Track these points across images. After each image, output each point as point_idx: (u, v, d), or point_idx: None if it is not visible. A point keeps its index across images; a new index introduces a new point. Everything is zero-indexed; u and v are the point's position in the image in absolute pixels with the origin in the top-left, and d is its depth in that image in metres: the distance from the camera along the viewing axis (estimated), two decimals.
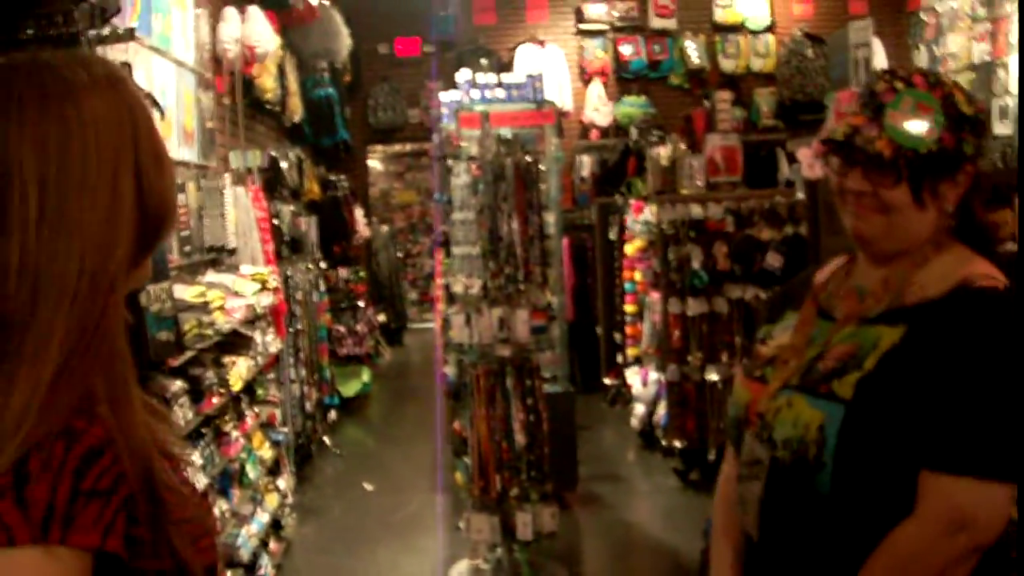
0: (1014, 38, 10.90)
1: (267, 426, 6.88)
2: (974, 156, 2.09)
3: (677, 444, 8.24)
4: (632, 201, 9.80)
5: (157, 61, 6.34)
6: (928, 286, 2.06)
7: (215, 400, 5.35)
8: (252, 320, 6.57)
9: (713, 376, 7.97)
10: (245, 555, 5.71)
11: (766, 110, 14.18)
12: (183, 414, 4.73)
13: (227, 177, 7.61)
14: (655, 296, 8.66)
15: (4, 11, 3.35)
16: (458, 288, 6.44)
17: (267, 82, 9.20)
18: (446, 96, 7.88)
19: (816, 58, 13.65)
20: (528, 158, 6.35)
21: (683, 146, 8.72)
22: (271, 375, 7.31)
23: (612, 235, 10.61)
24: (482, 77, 7.51)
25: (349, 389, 11.45)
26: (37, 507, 1.19)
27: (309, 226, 10.29)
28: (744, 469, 2.19)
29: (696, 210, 7.96)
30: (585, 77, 14.44)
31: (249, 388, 6.46)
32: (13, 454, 1.21)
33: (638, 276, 9.50)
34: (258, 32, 8.59)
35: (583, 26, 14.47)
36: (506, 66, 13.50)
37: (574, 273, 11.64)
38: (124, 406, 1.34)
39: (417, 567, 6.75)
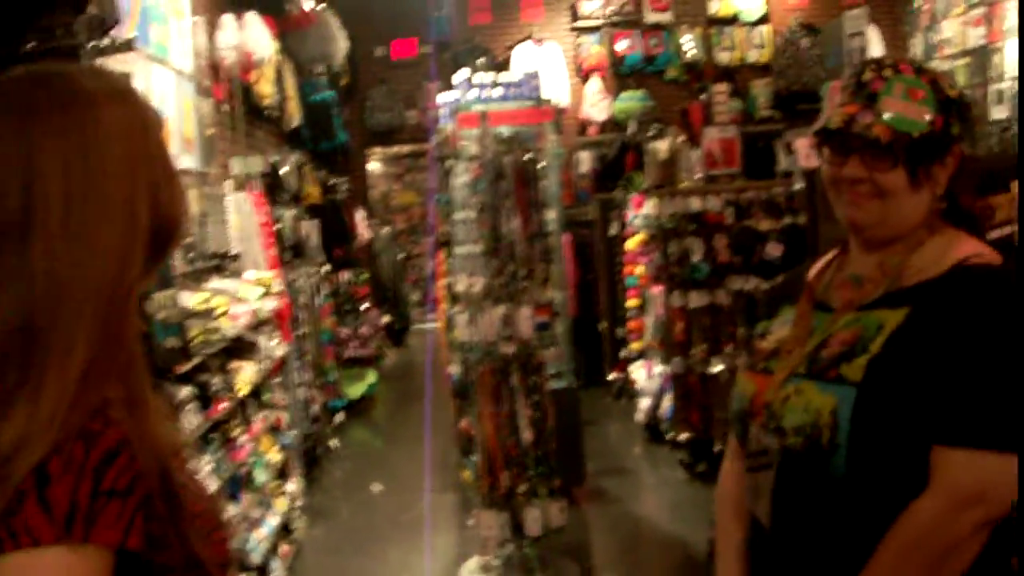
0: (1011, 23, 10.91)
1: (274, 430, 6.91)
2: (959, 138, 2.14)
3: (683, 436, 8.26)
4: (632, 196, 9.82)
5: (156, 70, 6.37)
6: (925, 268, 2.10)
7: (222, 405, 5.38)
8: (257, 325, 6.60)
9: (717, 368, 7.98)
10: (256, 559, 5.74)
11: (763, 101, 14.20)
12: (191, 420, 4.77)
13: (228, 183, 7.65)
14: (657, 290, 8.68)
15: (5, 24, 3.37)
16: (461, 287, 6.46)
17: (265, 88, 9.23)
18: (444, 96, 7.89)
19: (811, 48, 13.67)
20: (527, 156, 6.37)
21: (681, 139, 8.74)
22: (277, 379, 7.33)
23: (613, 230, 10.63)
24: (479, 76, 7.52)
25: (355, 391, 11.47)
26: (59, 507, 1.22)
27: (311, 230, 10.32)
28: (751, 460, 2.21)
29: (695, 203, 7.98)
30: (582, 73, 14.47)
31: (255, 393, 6.49)
32: (37, 457, 1.24)
33: (640, 270, 9.52)
34: (255, 38, 8.63)
35: (578, 22, 14.50)
36: (503, 65, 13.52)
37: (576, 269, 11.66)
38: (141, 409, 1.37)
39: (427, 565, 6.77)
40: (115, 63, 4.50)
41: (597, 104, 14.27)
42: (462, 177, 6.75)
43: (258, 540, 5.87)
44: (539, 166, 6.54)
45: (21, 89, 1.40)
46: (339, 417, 10.39)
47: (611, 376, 10.93)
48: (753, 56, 14.48)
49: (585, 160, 13.96)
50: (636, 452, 9.20)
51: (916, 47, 13.70)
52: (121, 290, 1.38)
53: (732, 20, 14.52)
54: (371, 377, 12.11)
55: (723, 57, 14.46)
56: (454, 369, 7.22)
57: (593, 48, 14.44)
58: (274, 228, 8.54)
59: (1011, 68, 10.84)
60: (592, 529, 7.18)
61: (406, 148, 17.77)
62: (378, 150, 16.11)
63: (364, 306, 12.57)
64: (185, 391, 4.77)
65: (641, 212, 9.22)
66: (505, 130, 6.79)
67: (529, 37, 14.20)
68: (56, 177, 1.34)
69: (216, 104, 7.98)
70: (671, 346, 8.29)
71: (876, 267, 2.16)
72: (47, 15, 3.47)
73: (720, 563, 2.38)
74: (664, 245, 8.21)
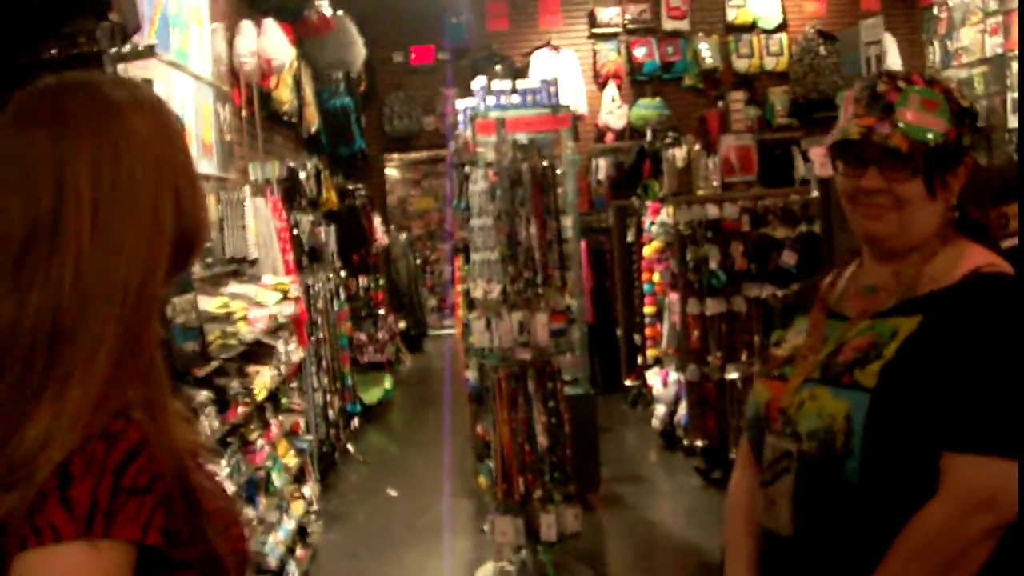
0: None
1: (291, 434, 6.94)
2: (970, 148, 2.16)
3: (698, 443, 8.27)
4: (649, 203, 9.84)
5: (176, 76, 6.41)
6: (939, 277, 2.12)
7: (240, 409, 5.40)
8: (275, 330, 6.63)
9: (733, 375, 7.99)
10: (272, 562, 5.77)
11: (780, 109, 14.19)
12: (209, 424, 4.79)
13: (246, 189, 7.68)
14: (674, 297, 8.69)
15: (27, 31, 3.41)
16: (478, 293, 6.48)
17: (284, 94, 9.26)
18: (461, 103, 7.92)
19: (829, 56, 13.65)
20: (544, 163, 6.40)
21: (698, 147, 8.75)
22: (294, 384, 7.36)
23: (630, 237, 10.64)
24: (497, 83, 7.54)
25: (371, 396, 11.50)
26: (81, 505, 1.25)
27: (328, 235, 10.35)
28: (768, 470, 2.21)
29: (712, 210, 7.99)
30: (599, 80, 14.48)
31: (273, 397, 6.52)
32: (61, 456, 1.27)
33: (656, 277, 9.54)
34: (274, 45, 8.66)
35: (596, 30, 14.51)
36: (520, 71, 13.56)
37: (593, 276, 11.66)
38: (160, 411, 1.41)
39: (443, 570, 6.80)
40: (136, 69, 4.55)
41: (614, 111, 14.28)
42: (479, 183, 6.77)
43: (275, 543, 5.89)
44: (556, 173, 6.55)
45: (52, 98, 1.43)
46: (355, 422, 10.42)
47: (627, 382, 10.94)
48: (770, 64, 14.46)
49: (602, 167, 13.96)
50: (652, 459, 9.22)
51: (933, 55, 13.68)
52: (145, 295, 1.41)
53: (750, 28, 14.52)
54: (387, 382, 12.14)
55: (740, 64, 14.45)
56: (470, 375, 7.25)
57: (610, 55, 14.44)
58: (292, 233, 8.58)
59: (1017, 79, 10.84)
60: (607, 535, 7.20)
61: (424, 154, 17.77)
62: (396, 156, 16.13)
63: (381, 311, 12.60)
64: (203, 395, 4.79)
65: (658, 219, 9.24)
66: (522, 137, 6.81)
67: (547, 44, 14.22)
68: (86, 184, 1.37)
69: (235, 109, 8.02)
70: (687, 353, 8.30)
71: (890, 277, 2.18)
72: (69, 22, 3.50)
73: (730, 572, 2.38)
74: (681, 252, 8.22)
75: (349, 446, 9.74)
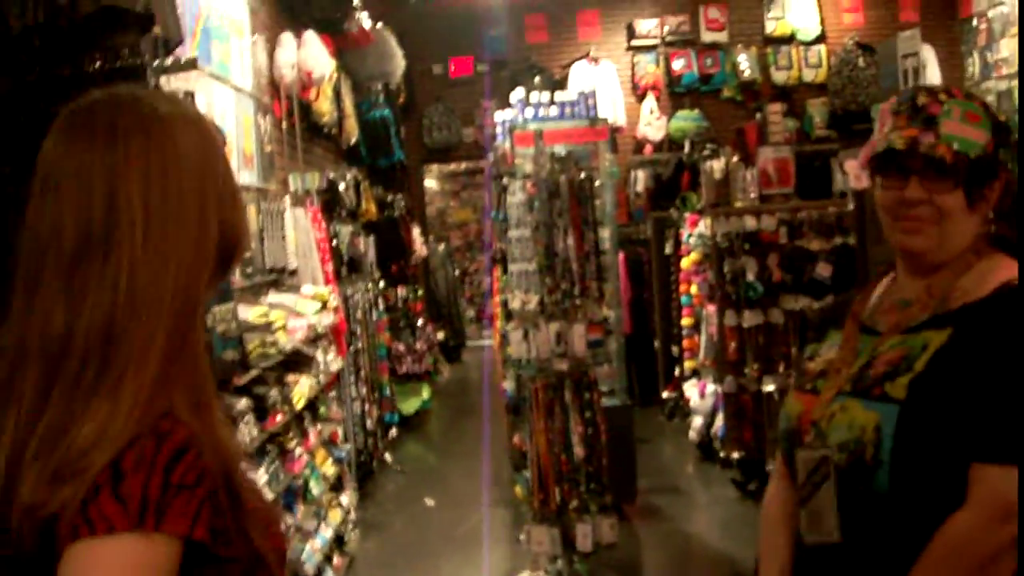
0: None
1: (329, 443, 6.98)
2: (1006, 162, 2.18)
3: (735, 455, 8.25)
4: (687, 215, 9.84)
5: (217, 88, 6.47)
6: (971, 291, 2.13)
7: (279, 418, 5.45)
8: (314, 339, 6.68)
9: (770, 387, 7.97)
10: (310, 570, 5.81)
11: (819, 121, 14.15)
12: (248, 431, 4.84)
13: (287, 199, 7.74)
14: (711, 309, 8.69)
15: (72, 44, 3.46)
16: (515, 304, 6.50)
17: (324, 106, 9.32)
18: (500, 115, 7.96)
19: (867, 67, 13.61)
20: (582, 175, 6.42)
21: (736, 159, 8.75)
22: (332, 393, 7.40)
23: (668, 249, 10.64)
24: (535, 95, 7.57)
25: (409, 406, 11.54)
26: (133, 499, 1.30)
27: (367, 246, 10.41)
28: (806, 483, 2.20)
29: (750, 222, 7.98)
30: (638, 92, 14.50)
31: (311, 406, 6.57)
32: (114, 452, 1.33)
33: (694, 289, 9.54)
34: (314, 57, 8.72)
35: (635, 42, 14.53)
36: (559, 83, 13.59)
37: (631, 287, 11.66)
38: (206, 411, 1.48)
39: None
40: (179, 81, 4.61)
41: (653, 123, 14.29)
42: (517, 195, 6.80)
43: (312, 551, 5.93)
44: (594, 185, 6.58)
45: (103, 112, 1.50)
46: (393, 432, 10.46)
47: (665, 394, 10.93)
48: (809, 75, 14.44)
49: (640, 179, 13.96)
50: (688, 470, 9.21)
51: (973, 67, 13.62)
52: (191, 299, 1.48)
53: (788, 39, 14.49)
54: (425, 393, 12.17)
55: (779, 76, 14.43)
56: (508, 385, 7.27)
57: (649, 67, 14.46)
58: (331, 244, 8.63)
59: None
60: (643, 546, 7.19)
61: (463, 165, 17.89)
62: (435, 167, 16.21)
63: (419, 322, 12.64)
64: (243, 403, 4.84)
65: (696, 231, 9.24)
66: (560, 149, 6.84)
67: (585, 56, 14.24)
68: (138, 195, 1.44)
69: (275, 121, 8.08)
70: (724, 365, 8.30)
71: (924, 291, 2.19)
72: (113, 35, 3.55)
73: None
74: (718, 264, 8.22)
75: (387, 456, 9.77)
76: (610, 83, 14.08)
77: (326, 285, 7.89)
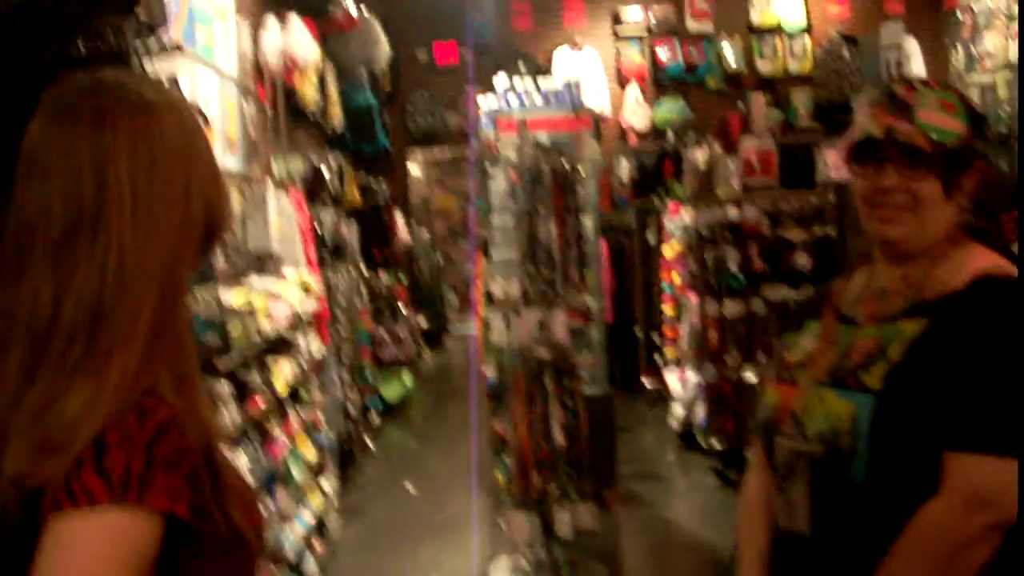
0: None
1: (311, 429, 6.98)
2: (981, 151, 2.20)
3: (715, 444, 8.29)
4: (670, 204, 9.86)
5: (201, 71, 6.46)
6: (947, 280, 2.15)
7: (260, 402, 5.45)
8: (296, 325, 6.68)
9: (751, 377, 8.01)
10: (290, 554, 5.81)
11: (803, 112, 14.15)
12: (230, 416, 4.84)
13: (270, 184, 7.72)
14: (693, 298, 8.72)
15: (55, 27, 3.45)
16: (497, 291, 6.51)
17: (308, 91, 9.31)
18: (484, 102, 7.95)
19: (852, 59, 13.62)
20: (565, 163, 6.42)
21: (719, 149, 8.77)
22: (315, 379, 7.40)
23: (650, 237, 10.67)
24: (520, 83, 7.57)
25: (391, 392, 11.55)
26: (116, 473, 1.33)
27: (350, 232, 10.40)
28: (782, 472, 2.25)
29: (732, 212, 8.01)
30: (622, 81, 14.49)
31: (293, 391, 6.56)
32: (98, 427, 1.36)
33: (676, 278, 9.56)
34: (298, 42, 8.71)
35: (620, 30, 14.53)
36: (544, 70, 13.57)
37: (613, 275, 11.68)
38: (189, 387, 1.52)
39: (459, 565, 6.83)
40: (163, 64, 4.60)
41: (637, 112, 14.29)
42: (500, 182, 6.81)
43: (293, 536, 5.94)
44: (577, 173, 6.58)
45: (89, 97, 1.53)
46: (375, 418, 10.47)
47: (646, 382, 10.96)
48: (794, 66, 14.45)
49: (624, 167, 13.97)
50: (669, 458, 9.24)
51: (957, 60, 13.64)
52: (177, 277, 1.53)
53: (774, 30, 14.50)
54: (407, 379, 12.19)
55: (764, 67, 14.44)
56: (489, 372, 7.28)
57: (634, 56, 14.47)
58: (314, 229, 8.63)
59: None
60: (623, 533, 7.22)
61: (447, 152, 17.84)
62: (419, 154, 16.16)
63: (402, 308, 12.64)
64: (224, 387, 4.84)
65: (678, 220, 9.26)
66: (544, 137, 6.84)
67: (570, 43, 14.22)
68: (126, 175, 1.48)
69: (259, 106, 8.07)
70: (705, 354, 8.33)
71: (900, 280, 2.22)
72: (96, 18, 3.55)
73: (741, 571, 2.42)
74: (700, 253, 8.25)
75: (368, 442, 9.79)
76: (595, 71, 14.07)
77: (309, 271, 7.88)
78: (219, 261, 6.03)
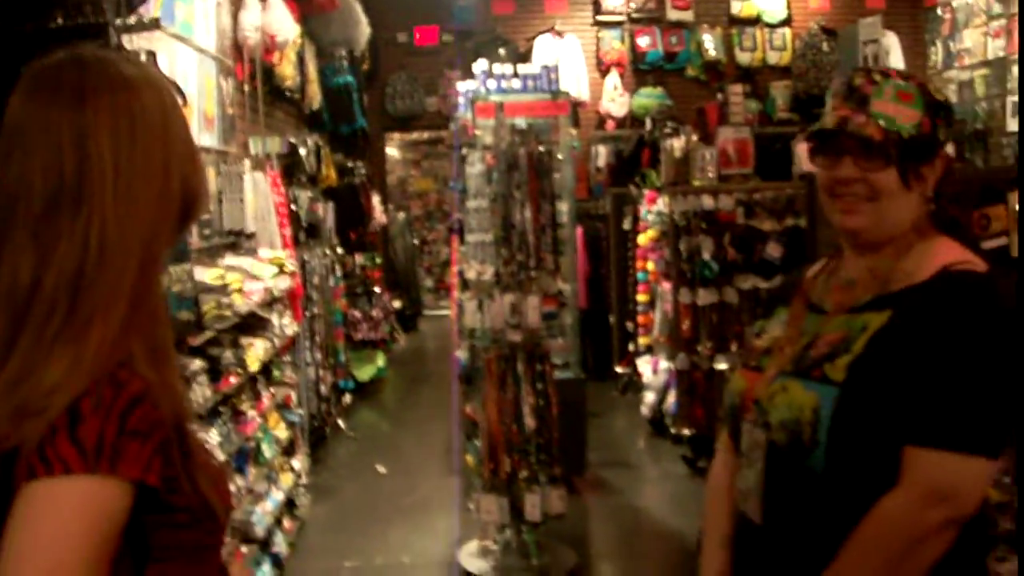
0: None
1: (283, 407, 6.99)
2: (945, 142, 2.23)
3: (686, 432, 8.32)
4: (646, 191, 9.89)
5: (180, 48, 6.45)
6: (912, 273, 2.16)
7: (233, 380, 5.47)
8: (269, 303, 6.69)
9: (722, 365, 8.02)
10: (260, 531, 5.82)
11: (781, 103, 14.21)
12: (202, 392, 4.85)
13: (246, 162, 7.72)
14: (667, 286, 8.74)
15: (35, 2, 3.46)
16: (471, 274, 6.53)
17: (287, 70, 9.30)
18: (463, 85, 7.96)
19: (831, 52, 13.70)
20: (542, 148, 6.44)
21: (696, 138, 8.80)
22: (287, 358, 7.41)
23: (626, 225, 10.69)
24: (498, 67, 7.58)
25: (364, 373, 11.56)
26: (88, 442, 1.36)
27: (326, 212, 10.40)
28: (743, 460, 2.28)
29: (708, 201, 8.03)
30: (602, 68, 14.52)
31: (266, 369, 6.57)
32: (73, 395, 1.39)
33: (650, 266, 9.59)
34: (278, 20, 8.69)
35: (600, 17, 14.55)
36: (524, 56, 13.59)
37: (588, 262, 11.72)
38: (163, 360, 1.55)
39: (428, 546, 6.86)
40: (141, 41, 4.60)
41: (616, 99, 14.33)
42: (477, 166, 6.82)
43: (263, 513, 5.95)
44: (553, 158, 6.60)
45: (70, 72, 1.56)
46: (347, 398, 10.49)
47: (618, 369, 10.99)
48: (773, 58, 14.51)
49: (602, 154, 14.01)
50: (639, 445, 9.28)
51: (936, 56, 13.72)
52: (155, 252, 1.56)
53: (754, 21, 14.55)
54: (380, 360, 12.20)
55: (743, 57, 14.49)
56: (461, 354, 7.30)
57: (614, 43, 14.49)
58: (290, 208, 8.63)
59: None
60: (591, 518, 7.27)
61: (425, 135, 17.86)
62: (397, 136, 16.19)
63: (377, 290, 12.65)
64: (197, 363, 4.86)
65: (654, 208, 9.30)
66: (521, 121, 6.86)
67: (550, 29, 14.24)
68: (107, 151, 1.51)
69: (238, 84, 8.05)
70: (678, 342, 8.36)
71: (867, 271, 2.24)
72: None
73: (705, 554, 2.46)
74: (675, 242, 8.27)
75: (340, 422, 9.80)
76: (575, 58, 14.09)
77: (284, 249, 7.89)
78: (194, 238, 6.04)
